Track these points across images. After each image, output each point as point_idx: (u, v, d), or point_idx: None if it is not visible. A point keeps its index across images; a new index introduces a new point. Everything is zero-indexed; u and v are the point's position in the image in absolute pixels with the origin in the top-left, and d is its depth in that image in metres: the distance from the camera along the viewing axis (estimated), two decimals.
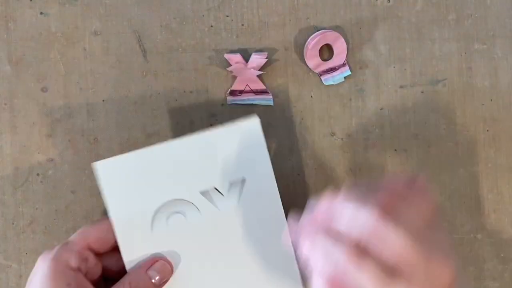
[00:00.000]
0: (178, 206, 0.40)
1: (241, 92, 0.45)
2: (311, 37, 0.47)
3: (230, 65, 0.46)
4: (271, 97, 0.46)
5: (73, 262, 0.38)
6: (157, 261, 0.40)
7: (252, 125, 0.41)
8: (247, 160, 0.41)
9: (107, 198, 0.40)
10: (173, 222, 0.40)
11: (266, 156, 0.41)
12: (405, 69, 0.48)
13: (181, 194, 0.40)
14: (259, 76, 0.46)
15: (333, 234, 0.33)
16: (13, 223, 0.47)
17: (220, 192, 0.41)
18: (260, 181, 0.41)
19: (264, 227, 0.41)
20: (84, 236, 0.39)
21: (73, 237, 0.39)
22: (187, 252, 0.40)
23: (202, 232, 0.41)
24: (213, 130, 0.41)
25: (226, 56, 0.46)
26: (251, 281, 0.41)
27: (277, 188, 0.41)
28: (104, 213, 0.47)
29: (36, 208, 0.47)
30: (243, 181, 0.41)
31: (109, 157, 0.42)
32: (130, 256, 0.40)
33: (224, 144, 0.41)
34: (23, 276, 0.47)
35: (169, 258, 0.40)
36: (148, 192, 0.40)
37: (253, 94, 0.46)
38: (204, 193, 0.41)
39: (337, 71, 0.47)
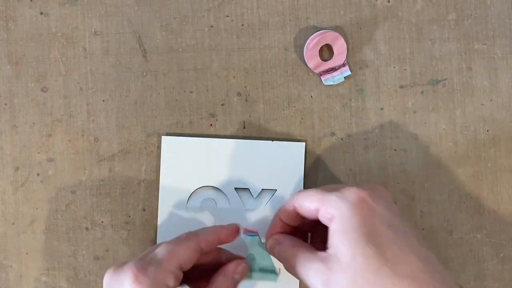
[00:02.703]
0: (213, 193, 0.47)
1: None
2: (311, 37, 0.47)
3: None
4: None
5: (171, 283, 0.37)
6: (240, 264, 0.41)
7: (298, 146, 0.47)
8: (284, 175, 0.46)
9: (162, 166, 0.47)
10: (205, 204, 0.47)
11: (301, 177, 0.46)
12: (405, 69, 0.48)
13: (219, 184, 0.47)
14: None
15: None
16: (13, 223, 0.47)
17: (251, 194, 0.46)
18: (289, 196, 0.46)
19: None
20: (175, 256, 0.38)
21: (161, 255, 0.38)
22: None
23: (227, 219, 0.46)
24: (263, 141, 0.47)
25: None
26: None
27: None
28: (105, 214, 0.47)
29: (36, 208, 0.47)
30: (274, 191, 0.46)
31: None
32: (164, 218, 0.47)
33: (269, 155, 0.47)
34: (23, 276, 0.47)
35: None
36: (194, 173, 0.47)
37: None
38: (238, 190, 0.46)
39: (337, 71, 0.47)
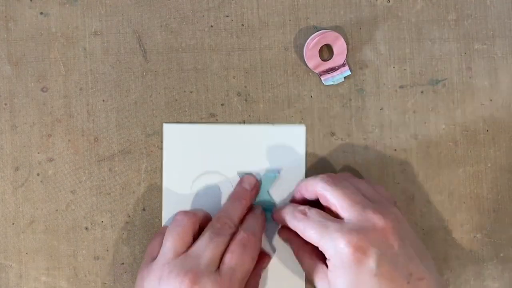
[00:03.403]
0: (216, 178, 0.47)
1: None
2: (311, 37, 0.47)
3: None
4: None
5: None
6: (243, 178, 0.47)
7: (298, 129, 0.47)
8: (285, 158, 0.47)
9: (164, 153, 0.47)
10: (210, 189, 0.47)
11: (303, 160, 0.47)
12: (405, 69, 0.48)
13: (222, 169, 0.47)
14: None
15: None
16: (13, 223, 0.47)
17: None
18: (291, 179, 0.47)
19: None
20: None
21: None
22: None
23: None
24: (264, 125, 0.47)
25: None
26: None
27: None
28: (105, 214, 0.47)
29: (36, 208, 0.47)
30: (277, 174, 0.47)
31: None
32: (169, 204, 0.47)
33: (271, 139, 0.47)
34: (23, 276, 0.47)
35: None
36: (197, 159, 0.47)
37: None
38: (240, 174, 0.47)
39: (337, 71, 0.47)
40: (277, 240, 0.47)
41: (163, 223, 0.47)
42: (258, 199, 0.47)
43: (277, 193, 0.47)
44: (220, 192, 0.47)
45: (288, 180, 0.47)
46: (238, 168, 0.47)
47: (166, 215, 0.47)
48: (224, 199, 0.47)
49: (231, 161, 0.47)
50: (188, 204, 0.47)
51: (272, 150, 0.47)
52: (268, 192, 0.47)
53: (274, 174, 0.46)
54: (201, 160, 0.47)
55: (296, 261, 0.45)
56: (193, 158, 0.47)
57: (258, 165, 0.47)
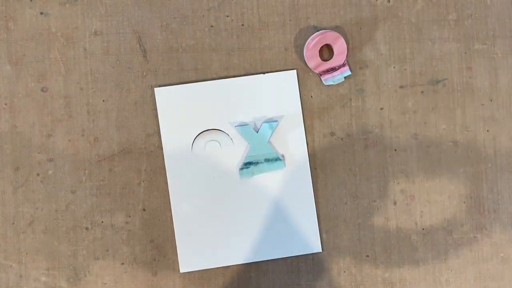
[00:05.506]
0: (215, 135, 0.47)
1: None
2: (311, 37, 0.47)
3: None
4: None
5: None
6: None
7: (290, 75, 0.47)
8: (281, 104, 0.47)
9: (160, 118, 0.47)
10: (209, 147, 0.47)
11: (298, 105, 0.47)
12: (405, 69, 0.48)
13: (219, 125, 0.47)
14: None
15: None
16: (13, 223, 0.47)
17: (253, 129, 0.47)
18: (290, 124, 0.47)
19: (289, 163, 0.47)
20: None
21: None
22: (219, 173, 0.47)
23: (233, 158, 0.47)
24: (256, 76, 0.47)
25: None
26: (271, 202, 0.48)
27: (304, 130, 0.47)
28: (105, 214, 0.47)
29: (36, 208, 0.47)
30: (275, 122, 0.47)
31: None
32: (173, 170, 0.47)
33: (264, 88, 0.47)
34: (23, 276, 0.47)
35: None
36: (193, 119, 0.47)
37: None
38: (239, 128, 0.47)
39: (337, 71, 0.47)
40: (295, 197, 0.47)
41: (169, 187, 0.47)
42: (258, 151, 0.46)
43: (277, 143, 0.47)
44: (221, 148, 0.47)
45: (287, 127, 0.47)
46: (236, 121, 0.47)
47: (171, 181, 0.47)
48: (225, 155, 0.47)
49: (227, 115, 0.47)
50: (191, 165, 0.47)
51: (267, 99, 0.47)
52: (268, 142, 0.47)
53: (271, 123, 0.46)
54: (197, 119, 0.47)
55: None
56: (189, 119, 0.47)
57: (254, 116, 0.47)
